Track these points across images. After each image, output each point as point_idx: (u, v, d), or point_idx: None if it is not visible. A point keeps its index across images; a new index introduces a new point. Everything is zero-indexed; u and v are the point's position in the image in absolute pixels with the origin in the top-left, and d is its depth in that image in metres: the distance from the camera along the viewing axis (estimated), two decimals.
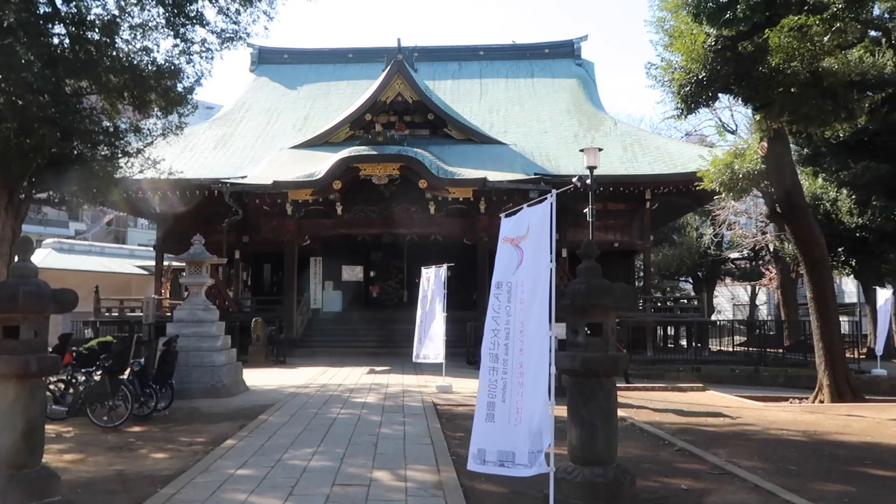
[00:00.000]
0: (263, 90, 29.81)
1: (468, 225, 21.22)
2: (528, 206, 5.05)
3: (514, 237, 5.05)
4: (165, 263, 25.93)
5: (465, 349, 18.88)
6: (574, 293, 5.30)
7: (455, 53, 31.31)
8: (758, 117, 12.01)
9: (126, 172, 14.04)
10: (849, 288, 36.61)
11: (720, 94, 12.25)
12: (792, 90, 11.04)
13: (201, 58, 13.50)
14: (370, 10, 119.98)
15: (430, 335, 13.63)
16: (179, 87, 13.57)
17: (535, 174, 21.11)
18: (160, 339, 11.10)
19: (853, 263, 22.81)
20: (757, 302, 42.64)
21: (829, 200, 20.69)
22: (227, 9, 13.43)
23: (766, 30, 10.66)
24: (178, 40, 13.14)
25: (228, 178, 21.30)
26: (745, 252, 34.21)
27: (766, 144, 12.82)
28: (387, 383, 13.84)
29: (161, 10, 12.99)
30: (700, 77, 11.19)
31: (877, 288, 22.13)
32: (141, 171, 14.21)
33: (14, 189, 12.73)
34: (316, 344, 21.45)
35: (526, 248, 4.92)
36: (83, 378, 9.44)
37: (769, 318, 38.58)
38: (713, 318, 29.85)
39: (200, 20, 13.22)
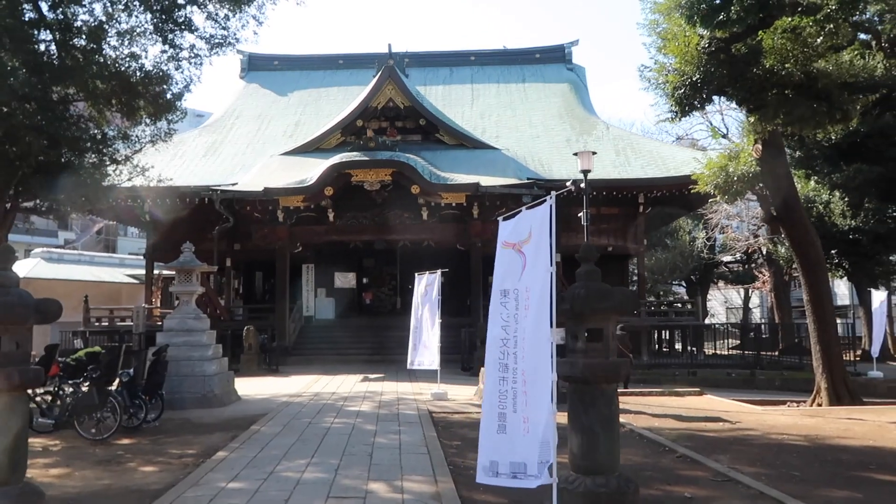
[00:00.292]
0: (254, 97, 29.66)
1: (461, 230, 21.11)
2: (527, 208, 4.92)
3: (515, 242, 4.90)
4: (156, 272, 25.66)
5: (459, 356, 18.72)
6: (573, 298, 5.16)
7: (446, 59, 31.27)
8: (752, 119, 11.93)
9: (114, 180, 13.86)
10: (841, 290, 36.67)
11: (714, 97, 12.18)
12: (786, 92, 10.99)
13: (190, 64, 13.37)
14: (361, 16, 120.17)
15: (425, 342, 13.47)
16: (168, 94, 13.42)
17: (528, 179, 21.04)
18: (149, 348, 10.90)
19: (846, 265, 22.84)
20: (750, 305, 42.69)
21: (821, 203, 20.71)
22: (216, 14, 13.28)
23: (760, 31, 10.62)
24: (167, 46, 12.99)
25: (219, 186, 21.13)
26: (738, 255, 34.24)
27: (760, 147, 12.75)
28: (381, 391, 13.66)
29: (149, 15, 12.84)
30: (694, 79, 11.11)
31: (871, 290, 22.12)
32: (129, 179, 14.02)
33: (0, 198, 12.51)
34: (309, 352, 21.25)
35: (528, 253, 4.78)
36: (70, 390, 9.23)
37: (763, 321, 38.61)
38: (707, 321, 29.85)
39: (189, 26, 13.07)
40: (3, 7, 11.15)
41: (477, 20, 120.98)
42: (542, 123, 26.56)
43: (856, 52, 11.40)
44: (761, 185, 13.30)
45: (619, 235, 23.73)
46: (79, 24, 12.36)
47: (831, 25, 10.60)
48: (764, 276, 33.15)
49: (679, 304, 27.31)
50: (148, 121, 13.71)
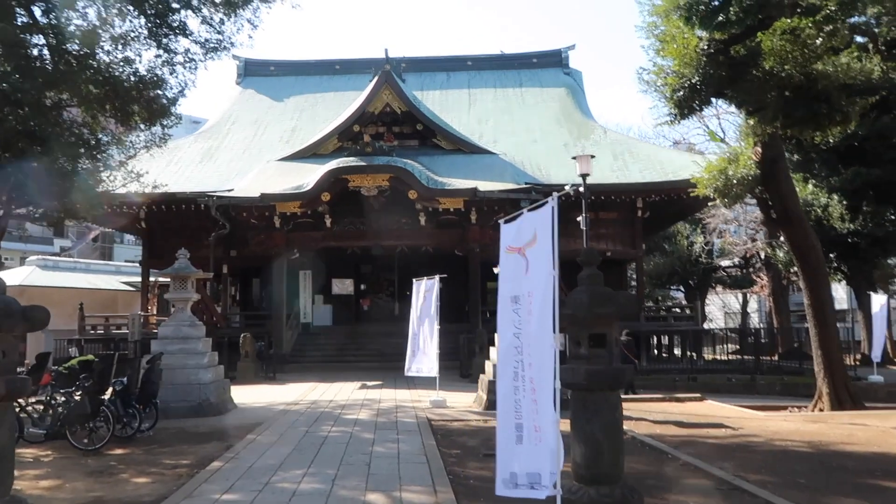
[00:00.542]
0: (250, 102, 29.55)
1: (459, 236, 20.99)
2: (528, 210, 4.80)
3: (520, 246, 4.78)
4: (152, 279, 25.49)
5: (458, 362, 18.56)
6: (575, 302, 5.03)
7: (443, 64, 31.20)
8: (751, 122, 11.84)
9: (108, 186, 13.70)
10: (839, 294, 36.57)
11: (713, 99, 12.10)
12: (786, 94, 10.92)
13: (185, 68, 13.22)
14: (357, 22, 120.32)
15: (423, 349, 13.33)
16: (163, 99, 13.29)
17: (526, 183, 20.93)
18: (143, 357, 10.74)
19: (845, 269, 22.78)
20: (748, 310, 42.58)
21: (820, 206, 20.65)
22: (211, 18, 13.16)
23: (759, 33, 10.54)
24: (161, 51, 12.86)
25: (215, 192, 20.97)
26: (736, 260, 34.16)
27: (759, 149, 12.67)
28: (379, 398, 13.51)
29: (143, 20, 12.71)
30: (693, 81, 11.04)
31: (871, 293, 22.02)
32: (124, 185, 13.88)
33: None
34: (306, 359, 21.07)
35: (531, 256, 4.66)
36: (62, 399, 9.06)
37: (761, 325, 38.49)
38: (706, 326, 29.72)
39: (183, 30, 12.96)
40: None
41: (474, 25, 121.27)
42: (539, 128, 26.48)
43: (853, 55, 11.33)
44: (761, 188, 13.21)
45: (617, 240, 23.64)
46: (72, 28, 12.23)
47: (830, 26, 10.54)
48: (762, 280, 33.07)
49: (678, 310, 27.20)
50: (142, 126, 13.58)
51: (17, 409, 8.81)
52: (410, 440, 8.87)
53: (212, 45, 13.27)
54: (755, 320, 43.20)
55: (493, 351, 12.68)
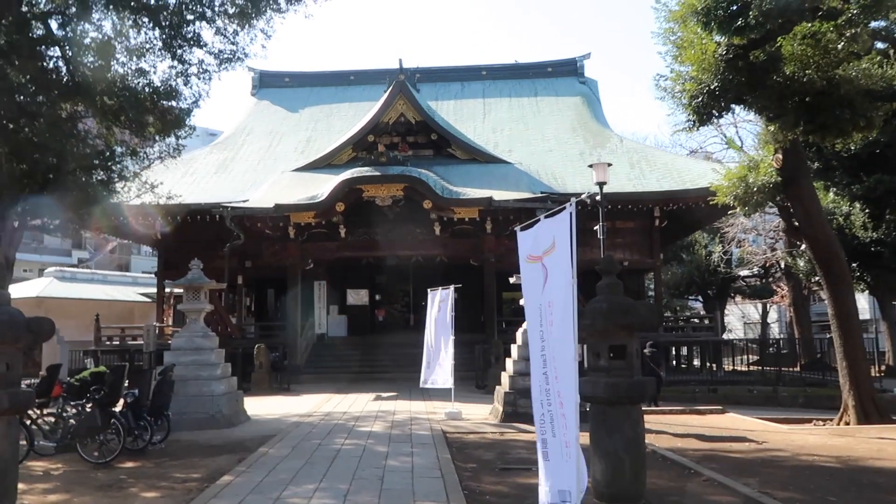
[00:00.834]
0: (265, 114, 29.67)
1: (474, 246, 20.83)
2: (546, 216, 4.63)
3: (539, 254, 4.61)
4: (167, 290, 25.55)
5: (473, 373, 18.36)
6: (595, 312, 4.87)
7: (457, 74, 31.16)
8: (772, 128, 11.59)
9: (123, 197, 13.73)
10: (862, 304, 35.89)
11: (732, 106, 11.87)
12: (807, 99, 10.68)
13: (199, 79, 13.24)
14: (372, 33, 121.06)
15: (439, 360, 13.16)
16: (177, 110, 13.31)
17: (542, 193, 20.75)
18: (156, 368, 10.65)
19: (868, 278, 22.30)
20: (768, 320, 41.96)
21: (841, 215, 20.25)
22: (225, 29, 13.19)
23: (779, 38, 10.33)
24: (175, 62, 12.89)
25: (230, 203, 20.98)
26: (756, 269, 33.65)
27: (780, 156, 12.40)
28: (394, 410, 13.33)
29: (158, 31, 12.75)
30: (712, 87, 10.83)
31: (895, 303, 21.54)
32: (138, 196, 13.89)
33: (7, 216, 12.38)
34: (321, 370, 20.96)
35: (549, 265, 4.49)
36: (73, 411, 8.98)
37: (782, 336, 37.89)
38: (725, 337, 29.28)
39: (198, 41, 12.99)
40: (10, 24, 11.09)
41: (488, 36, 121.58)
42: (554, 137, 26.31)
43: (874, 61, 11.08)
44: (782, 195, 12.93)
45: (634, 250, 23.35)
46: (87, 40, 12.28)
47: (852, 31, 10.31)
48: (782, 290, 32.55)
49: (697, 320, 26.80)
50: (157, 137, 13.60)
51: (29, 422, 8.73)
52: (425, 453, 8.69)
53: (226, 55, 13.30)
54: (775, 331, 42.55)
55: (508, 362, 12.48)
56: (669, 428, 11.01)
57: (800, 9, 10.30)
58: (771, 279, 33.99)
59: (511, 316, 21.89)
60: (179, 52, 12.87)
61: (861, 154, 18.85)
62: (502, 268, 18.83)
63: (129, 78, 12.57)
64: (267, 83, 31.22)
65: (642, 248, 23.42)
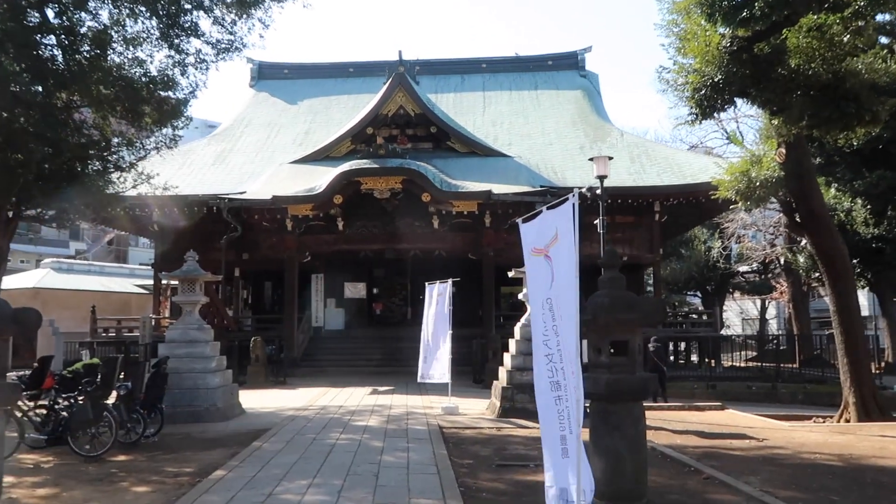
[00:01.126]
0: (263, 105, 29.46)
1: (473, 239, 20.72)
2: (548, 208, 4.50)
3: (542, 246, 4.48)
4: (164, 282, 25.39)
5: (471, 367, 18.27)
6: (596, 307, 4.75)
7: (457, 66, 30.93)
8: (776, 122, 11.45)
9: (119, 188, 13.59)
10: (862, 300, 35.69)
11: (736, 99, 11.71)
12: (811, 93, 10.54)
13: (196, 69, 13.08)
14: (371, 25, 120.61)
15: (437, 354, 13.05)
16: (174, 100, 13.16)
17: (541, 186, 20.59)
18: (149, 361, 10.52)
19: (868, 275, 22.19)
20: (767, 316, 41.88)
21: (843, 211, 20.12)
22: (223, 19, 13.03)
23: (784, 30, 10.18)
24: (173, 51, 12.73)
25: (227, 194, 20.84)
26: (755, 265, 33.55)
27: (783, 151, 12.27)
28: (390, 404, 13.23)
29: (155, 21, 12.58)
30: (716, 80, 10.66)
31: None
32: (134, 187, 13.75)
33: (1, 206, 12.25)
34: (317, 363, 20.85)
35: (554, 257, 4.36)
36: (65, 404, 8.84)
37: (780, 332, 37.82)
38: (723, 332, 29.18)
39: (195, 31, 12.83)
40: (5, 11, 10.92)
41: (488, 28, 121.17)
42: (555, 130, 26.14)
43: (878, 55, 10.94)
44: (784, 190, 12.81)
45: (634, 245, 23.19)
46: (84, 29, 12.11)
47: (859, 23, 10.17)
48: (781, 286, 32.44)
49: (695, 315, 26.70)
50: (153, 127, 13.46)
51: (20, 414, 8.61)
52: (421, 449, 8.58)
53: (223, 45, 13.15)
54: (774, 327, 42.49)
55: (506, 357, 12.37)
56: (668, 424, 10.92)
57: (805, 0, 10.15)
58: (770, 275, 33.89)
59: (509, 310, 21.78)
60: (177, 41, 12.70)
61: (864, 150, 18.70)
62: (501, 262, 18.73)
63: (126, 67, 12.43)
64: (266, 75, 31.01)
65: (642, 243, 23.27)
